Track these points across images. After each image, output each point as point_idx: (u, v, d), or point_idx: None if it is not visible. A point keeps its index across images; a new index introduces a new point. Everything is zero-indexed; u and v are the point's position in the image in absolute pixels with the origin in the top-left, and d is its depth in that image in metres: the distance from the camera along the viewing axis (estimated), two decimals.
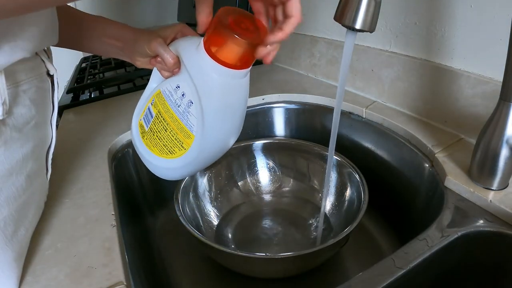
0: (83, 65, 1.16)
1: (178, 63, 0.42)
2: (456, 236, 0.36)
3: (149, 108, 0.45)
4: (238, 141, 0.64)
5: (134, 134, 0.47)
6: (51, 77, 0.39)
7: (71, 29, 0.48)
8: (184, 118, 0.41)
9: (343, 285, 0.31)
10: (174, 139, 0.42)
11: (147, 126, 0.45)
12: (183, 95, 0.40)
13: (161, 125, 0.43)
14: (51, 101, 0.40)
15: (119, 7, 1.50)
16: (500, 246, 0.36)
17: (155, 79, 0.47)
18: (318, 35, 0.76)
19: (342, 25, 0.32)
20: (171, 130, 0.42)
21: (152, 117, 0.44)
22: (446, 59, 0.51)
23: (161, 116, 0.43)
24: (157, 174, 0.47)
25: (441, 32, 0.50)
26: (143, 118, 0.46)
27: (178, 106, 0.41)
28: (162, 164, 0.44)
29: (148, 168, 0.47)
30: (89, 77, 0.95)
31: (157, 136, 0.44)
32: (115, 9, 1.49)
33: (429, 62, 0.53)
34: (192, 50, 0.39)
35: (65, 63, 1.41)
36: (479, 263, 0.39)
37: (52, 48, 0.41)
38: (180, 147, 0.42)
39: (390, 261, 0.33)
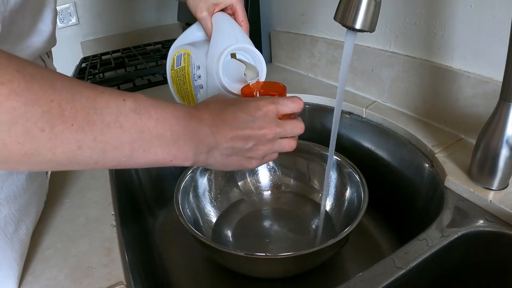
0: (83, 65, 1.16)
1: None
2: (456, 236, 0.36)
3: (181, 55, 0.50)
4: None
5: (168, 62, 0.52)
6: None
7: None
8: (195, 91, 0.48)
9: (343, 285, 0.31)
10: (186, 94, 0.50)
11: (176, 66, 0.51)
12: (199, 77, 0.47)
13: (183, 77, 0.49)
14: None
15: (119, 7, 1.50)
16: (500, 246, 0.36)
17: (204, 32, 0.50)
18: (318, 35, 0.76)
19: (342, 25, 0.32)
20: (187, 88, 0.49)
21: (180, 65, 0.50)
22: (446, 59, 0.51)
23: (184, 71, 0.49)
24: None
25: (441, 32, 0.50)
26: (176, 57, 0.51)
27: (195, 80, 0.48)
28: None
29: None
30: (89, 77, 0.95)
31: (179, 79, 0.51)
32: (115, 9, 1.49)
33: (429, 62, 0.53)
34: (224, 58, 0.43)
35: (65, 63, 1.41)
36: (479, 263, 0.39)
37: (52, 48, 0.41)
38: (188, 102, 0.50)
39: (390, 261, 0.33)
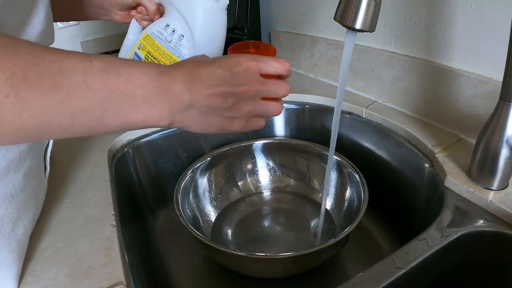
0: None
1: (158, 9, 0.50)
2: (456, 236, 0.36)
3: (136, 53, 0.51)
4: (238, 141, 0.64)
5: None
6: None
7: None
8: (176, 51, 0.48)
9: (343, 285, 0.31)
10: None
11: None
12: (173, 31, 0.48)
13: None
14: None
15: None
16: (500, 246, 0.36)
17: (133, 31, 0.54)
18: (318, 35, 0.76)
19: (342, 25, 0.32)
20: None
21: (141, 59, 0.50)
22: (446, 59, 0.51)
23: (151, 56, 0.49)
24: None
25: (441, 32, 0.50)
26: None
27: (169, 42, 0.48)
28: None
29: None
30: None
31: None
32: None
33: (429, 62, 0.53)
34: None
35: None
36: (479, 263, 0.39)
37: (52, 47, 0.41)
38: None
39: (390, 261, 0.33)
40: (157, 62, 0.48)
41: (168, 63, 0.47)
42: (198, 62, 0.30)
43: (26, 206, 0.35)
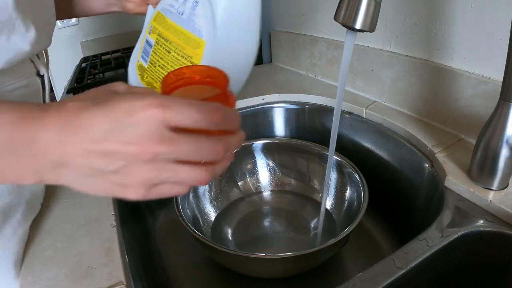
0: (83, 65, 1.16)
1: None
2: (456, 236, 0.36)
3: (147, 40, 0.42)
4: None
5: (133, 82, 0.43)
6: (42, 77, 0.38)
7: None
8: (190, 25, 0.37)
9: (343, 285, 0.31)
10: (181, 57, 0.38)
11: (147, 62, 0.41)
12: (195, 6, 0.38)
13: (163, 48, 0.39)
14: (42, 101, 0.39)
15: None
16: (500, 246, 0.36)
17: (149, 20, 0.45)
18: (318, 35, 0.76)
19: (342, 25, 0.32)
20: (176, 48, 0.38)
21: (151, 46, 0.41)
22: (446, 59, 0.51)
23: (163, 38, 0.40)
24: None
25: (441, 32, 0.50)
26: (141, 56, 0.43)
27: (182, 14, 0.38)
28: None
29: None
30: (89, 77, 0.95)
31: (160, 65, 0.39)
32: None
33: (429, 62, 0.53)
34: None
35: (65, 63, 1.41)
36: (479, 263, 0.39)
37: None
38: (190, 63, 0.37)
39: (390, 261, 0.33)
40: (168, 45, 0.38)
41: (183, 44, 0.37)
42: (85, 103, 0.22)
43: (15, 209, 0.35)
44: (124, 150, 0.21)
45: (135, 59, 0.44)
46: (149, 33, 0.41)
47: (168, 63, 0.38)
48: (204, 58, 0.36)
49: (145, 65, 0.41)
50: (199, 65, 0.30)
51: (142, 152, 0.21)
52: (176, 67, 0.36)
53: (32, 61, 0.37)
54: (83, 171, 0.22)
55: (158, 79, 0.38)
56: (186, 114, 0.21)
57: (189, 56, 0.37)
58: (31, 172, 0.22)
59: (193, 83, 0.28)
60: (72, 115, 0.21)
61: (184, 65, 0.36)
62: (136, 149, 0.21)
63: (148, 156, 0.21)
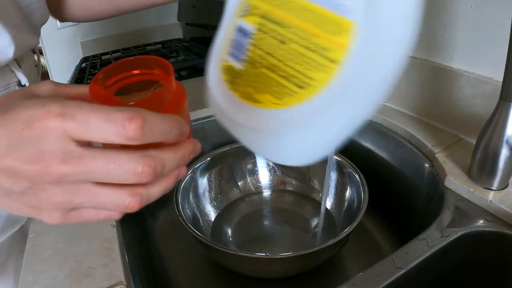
0: (83, 65, 1.16)
1: None
2: (456, 236, 0.36)
3: (239, 28, 0.27)
4: (238, 141, 0.64)
5: (216, 92, 0.28)
6: (23, 87, 0.36)
7: None
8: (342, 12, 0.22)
9: (343, 285, 0.31)
10: (307, 50, 0.23)
11: (240, 61, 0.26)
12: None
13: (273, 37, 0.24)
14: None
15: None
16: (500, 246, 0.36)
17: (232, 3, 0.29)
18: None
19: None
20: (299, 35, 0.23)
21: (248, 36, 0.26)
22: (446, 59, 0.51)
23: (271, 21, 0.25)
24: (274, 158, 0.28)
25: (441, 32, 0.50)
26: (230, 53, 0.28)
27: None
28: (284, 118, 0.23)
29: (250, 147, 0.28)
30: (89, 77, 0.95)
31: (266, 67, 0.24)
32: None
33: (429, 62, 0.53)
34: None
35: (65, 63, 1.41)
36: (479, 263, 0.39)
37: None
38: (325, 59, 0.22)
39: (390, 261, 0.33)
40: (283, 32, 0.24)
41: (312, 29, 0.22)
42: (6, 107, 0.18)
43: None
44: (25, 169, 0.18)
45: (218, 59, 0.29)
46: (244, 16, 0.27)
47: (282, 61, 0.24)
48: (354, 50, 0.21)
49: (238, 67, 0.26)
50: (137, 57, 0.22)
51: (44, 172, 0.17)
52: (302, 65, 0.22)
53: (12, 70, 0.35)
54: None
55: (264, 87, 0.24)
56: (94, 125, 0.17)
57: (323, 49, 0.22)
58: None
59: (130, 82, 0.23)
60: None
61: (313, 62, 0.22)
62: (38, 169, 0.17)
63: (52, 177, 0.18)
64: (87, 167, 0.18)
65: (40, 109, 0.17)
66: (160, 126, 0.18)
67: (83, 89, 0.21)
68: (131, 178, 0.18)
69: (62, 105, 0.17)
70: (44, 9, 0.38)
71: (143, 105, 0.19)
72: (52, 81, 0.21)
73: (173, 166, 0.20)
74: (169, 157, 0.19)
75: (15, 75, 0.35)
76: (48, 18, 0.41)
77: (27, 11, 0.36)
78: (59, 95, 0.21)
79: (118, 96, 0.22)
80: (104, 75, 0.22)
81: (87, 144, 0.18)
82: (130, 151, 0.18)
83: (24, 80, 0.36)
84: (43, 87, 0.20)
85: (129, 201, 0.19)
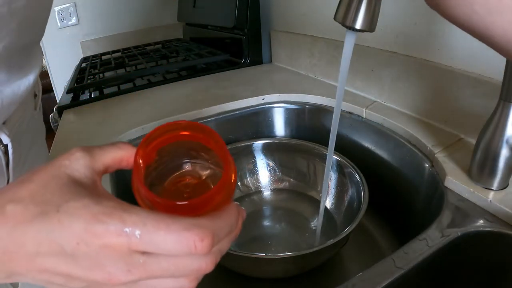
0: (83, 65, 1.16)
1: None
2: (456, 236, 0.36)
3: None
4: (238, 141, 0.64)
5: None
6: (5, 147, 0.33)
7: None
8: None
9: (343, 285, 0.31)
10: None
11: None
12: None
13: None
14: (5, 174, 0.35)
15: (119, 7, 1.50)
16: (500, 246, 0.36)
17: None
18: (318, 35, 0.76)
19: (342, 25, 0.32)
20: None
21: None
22: (446, 59, 0.51)
23: None
24: None
25: (441, 32, 0.50)
26: None
27: None
28: None
29: None
30: (89, 77, 0.95)
31: None
32: (115, 9, 1.49)
33: (429, 62, 0.53)
34: None
35: (65, 63, 1.41)
36: (479, 263, 0.39)
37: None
38: None
39: (390, 261, 0.33)
40: None
41: None
42: (26, 210, 0.17)
43: None
44: (82, 275, 0.17)
45: None
46: None
47: None
48: None
49: None
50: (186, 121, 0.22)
51: (107, 281, 0.17)
52: None
53: None
54: (41, 282, 0.19)
55: None
56: (162, 246, 0.17)
57: None
58: None
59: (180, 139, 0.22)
60: (13, 228, 0.17)
61: None
62: (99, 277, 0.17)
63: (116, 285, 0.18)
64: (152, 273, 0.18)
65: (98, 225, 0.16)
66: (225, 230, 0.20)
67: (117, 153, 0.22)
68: (195, 274, 0.19)
69: (123, 222, 0.17)
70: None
71: (202, 205, 0.19)
72: (82, 151, 0.20)
73: (227, 248, 0.22)
74: (225, 242, 0.22)
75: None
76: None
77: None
78: (95, 170, 0.20)
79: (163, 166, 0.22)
80: (146, 140, 0.21)
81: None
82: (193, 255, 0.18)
83: (6, 140, 0.33)
84: (77, 165, 0.20)
85: (188, 286, 0.20)
